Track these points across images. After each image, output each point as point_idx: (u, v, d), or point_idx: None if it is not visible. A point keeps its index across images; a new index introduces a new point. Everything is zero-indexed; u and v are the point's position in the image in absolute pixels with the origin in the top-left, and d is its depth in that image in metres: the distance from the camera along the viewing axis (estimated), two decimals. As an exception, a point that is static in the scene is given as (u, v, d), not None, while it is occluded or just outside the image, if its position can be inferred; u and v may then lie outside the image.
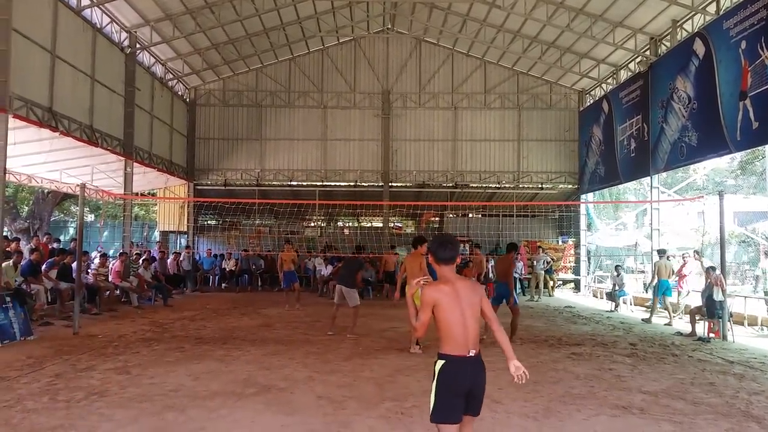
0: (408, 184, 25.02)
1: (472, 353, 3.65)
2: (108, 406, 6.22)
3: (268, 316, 14.34)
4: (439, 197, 25.12)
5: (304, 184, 24.87)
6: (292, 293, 15.92)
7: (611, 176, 21.34)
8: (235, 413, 6.06)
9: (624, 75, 20.98)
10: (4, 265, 11.09)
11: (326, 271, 20.74)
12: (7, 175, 12.16)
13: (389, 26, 24.58)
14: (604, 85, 22.77)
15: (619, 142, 20.42)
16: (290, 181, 24.86)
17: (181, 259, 21.15)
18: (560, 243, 24.93)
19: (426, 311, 3.73)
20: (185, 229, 24.39)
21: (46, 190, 23.06)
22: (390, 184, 24.63)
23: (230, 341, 10.50)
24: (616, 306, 17.00)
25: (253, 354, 9.31)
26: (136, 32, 18.31)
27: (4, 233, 12.08)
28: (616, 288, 17.42)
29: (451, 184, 24.96)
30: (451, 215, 26.50)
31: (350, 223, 28.00)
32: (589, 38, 19.81)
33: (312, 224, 27.03)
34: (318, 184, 24.76)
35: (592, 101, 23.67)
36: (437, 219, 27.06)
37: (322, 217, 27.02)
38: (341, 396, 6.78)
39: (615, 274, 17.78)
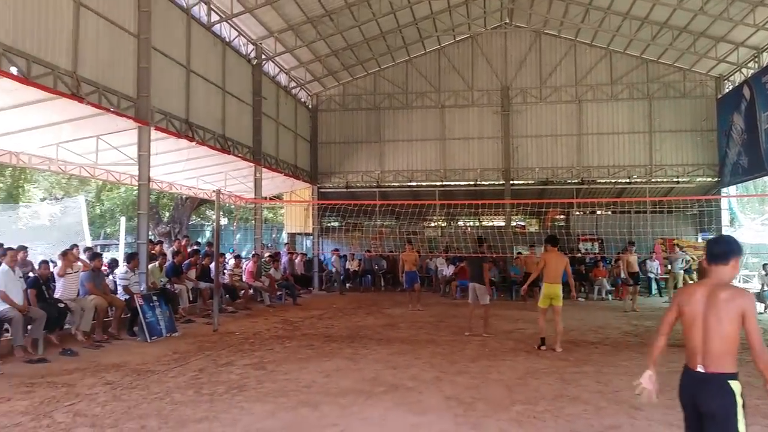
0: (530, 182, 24.29)
1: (700, 369, 3.29)
2: (247, 400, 6.47)
3: (392, 315, 14.42)
4: (564, 194, 24.14)
5: (424, 184, 24.88)
6: (414, 294, 15.93)
7: (755, 167, 19.50)
8: (365, 411, 6.09)
9: (767, 58, 19.10)
10: (150, 266, 11.95)
11: (448, 271, 20.59)
12: (150, 182, 13.09)
13: (507, 21, 24.01)
14: (744, 70, 20.89)
15: (764, 131, 18.61)
16: (410, 181, 24.96)
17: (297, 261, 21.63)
18: (700, 240, 23.13)
19: (670, 310, 3.50)
20: (310, 231, 25.21)
21: (184, 196, 24.74)
22: (511, 181, 24.03)
23: (357, 340, 10.64)
24: (766, 308, 15.49)
25: (380, 353, 9.36)
26: (261, 44, 19.15)
27: (149, 237, 13.04)
28: (765, 288, 15.89)
29: (576, 180, 23.94)
30: (577, 213, 25.44)
31: (471, 223, 27.64)
32: (725, 20, 18.26)
33: (432, 224, 26.98)
34: (437, 184, 24.66)
35: (731, 87, 21.78)
36: (563, 217, 26.05)
37: (443, 217, 26.89)
38: (470, 397, 6.62)
39: (763, 273, 16.24)
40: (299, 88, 23.66)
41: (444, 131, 24.64)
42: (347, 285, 22.62)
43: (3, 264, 8.71)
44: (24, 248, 9.49)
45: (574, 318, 13.25)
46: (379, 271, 22.88)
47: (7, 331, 8.54)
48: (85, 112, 11.28)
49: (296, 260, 21.00)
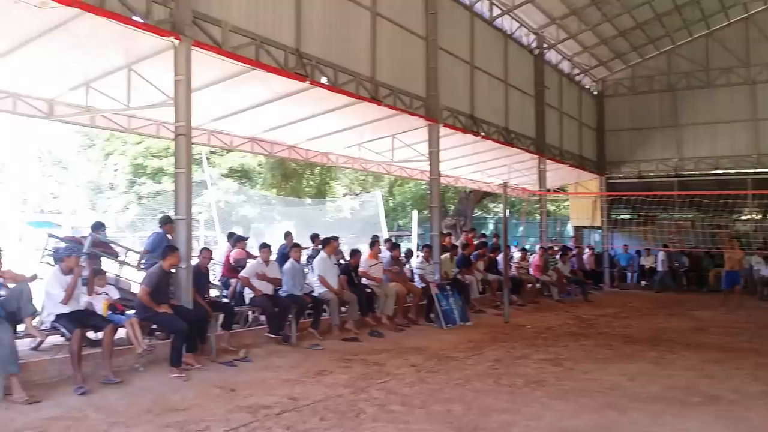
0: None
1: None
2: (547, 396, 6.20)
3: (700, 318, 12.80)
4: None
5: (732, 172, 21.69)
6: (732, 295, 13.96)
7: None
8: (681, 422, 5.38)
9: None
10: (443, 257, 12.40)
11: (766, 270, 17.68)
12: (440, 177, 13.64)
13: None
14: None
15: None
16: (714, 169, 21.98)
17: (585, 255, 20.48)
18: None
19: None
20: (599, 224, 23.87)
21: (468, 190, 25.42)
22: None
23: (661, 343, 9.61)
24: None
25: (690, 359, 8.29)
26: (542, 32, 18.66)
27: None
28: None
29: None
30: None
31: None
32: None
33: (744, 217, 23.45)
34: (749, 171, 21.27)
35: None
36: None
37: (757, 209, 23.19)
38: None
39: None
40: (583, 74, 22.55)
41: (756, 111, 21.16)
42: (642, 283, 20.86)
43: (322, 252, 9.81)
44: (336, 238, 10.56)
45: None
46: (679, 269, 20.61)
47: (325, 311, 9.56)
48: (383, 114, 12.18)
49: (585, 255, 20.02)
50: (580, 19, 18.59)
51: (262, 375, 6.97)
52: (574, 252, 18.31)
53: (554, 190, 24.46)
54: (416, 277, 11.72)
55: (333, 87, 10.53)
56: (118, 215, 32.56)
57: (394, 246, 11.71)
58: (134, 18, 7.36)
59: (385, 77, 11.94)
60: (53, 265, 7.74)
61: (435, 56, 13.21)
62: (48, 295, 6.61)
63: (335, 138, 13.96)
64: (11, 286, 6.50)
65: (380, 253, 11.06)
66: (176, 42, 7.79)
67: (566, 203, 29.15)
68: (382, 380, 6.72)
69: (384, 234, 20.12)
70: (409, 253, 13.53)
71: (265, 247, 9.38)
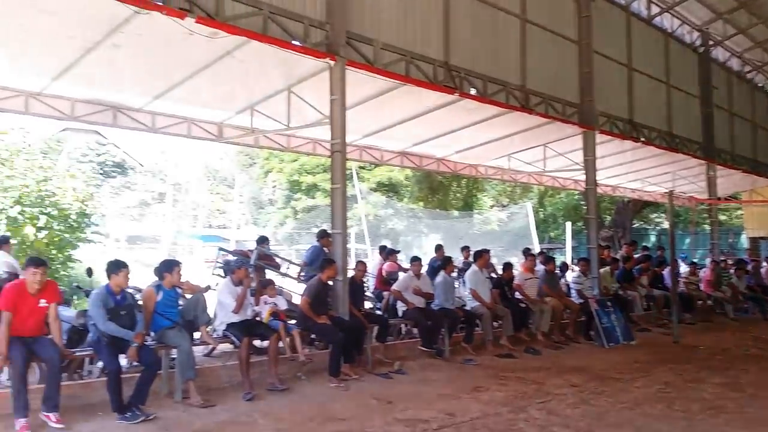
0: None
1: None
2: (728, 424, 5.62)
3: None
4: None
5: None
6: None
7: None
8: None
9: None
10: (602, 271, 11.72)
11: None
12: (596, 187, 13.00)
13: None
14: None
15: None
16: None
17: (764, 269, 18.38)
18: None
19: None
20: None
21: (626, 199, 23.95)
22: None
23: None
24: None
25: None
26: (707, 29, 17.26)
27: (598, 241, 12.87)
28: None
29: None
30: None
31: None
32: None
33: None
34: None
35: None
36: None
37: None
38: None
39: None
40: (756, 71, 20.48)
41: None
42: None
43: (474, 265, 9.65)
44: (487, 251, 10.34)
45: None
46: None
47: (477, 325, 9.39)
48: (534, 123, 11.85)
49: (762, 269, 17.99)
50: (750, 12, 16.93)
51: (417, 388, 6.95)
52: (750, 265, 16.53)
53: (726, 198, 22.38)
54: (573, 292, 11.17)
55: (482, 98, 10.42)
56: (276, 229, 34.67)
57: (548, 259, 11.24)
58: (294, 42, 7.77)
59: (536, 85, 11.64)
60: (223, 277, 8.34)
61: (589, 60, 12.71)
62: (220, 304, 7.07)
63: (484, 149, 13.79)
64: (188, 296, 7.07)
65: (535, 266, 10.66)
66: (331, 63, 8.12)
67: (739, 212, 26.55)
68: (542, 400, 6.42)
69: (535, 247, 19.50)
70: (564, 267, 12.97)
71: (416, 260, 9.43)
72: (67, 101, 9.31)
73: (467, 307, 9.45)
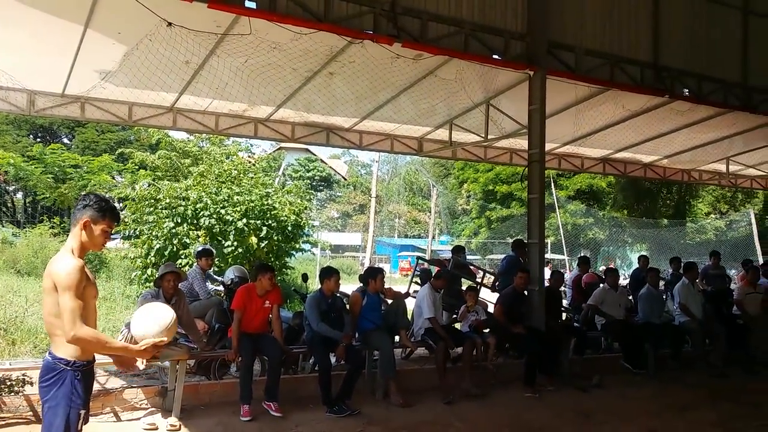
0: None
1: None
2: None
3: None
4: None
5: None
6: None
7: None
8: None
9: None
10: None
11: None
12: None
13: None
14: None
15: None
16: None
17: None
18: None
19: None
20: None
21: None
22: None
23: None
24: None
25: None
26: None
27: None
28: None
29: None
30: None
31: None
32: None
33: None
34: None
35: None
36: None
37: None
38: None
39: None
40: None
41: None
42: None
43: (684, 278, 8.94)
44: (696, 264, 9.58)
45: None
46: None
47: (687, 342, 8.75)
48: (758, 122, 10.72)
49: None
50: None
51: (616, 403, 6.73)
52: None
53: None
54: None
55: (695, 98, 9.67)
56: (470, 239, 34.99)
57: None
58: (494, 56, 7.93)
59: (759, 80, 10.47)
60: (421, 285, 8.72)
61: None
62: (419, 310, 7.44)
63: (698, 152, 12.72)
64: (390, 302, 7.56)
65: (758, 280, 9.61)
66: (531, 73, 8.14)
67: None
68: (760, 422, 5.83)
69: (759, 258, 17.46)
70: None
71: (612, 272, 9.06)
72: (288, 125, 10.43)
73: (675, 322, 8.83)
